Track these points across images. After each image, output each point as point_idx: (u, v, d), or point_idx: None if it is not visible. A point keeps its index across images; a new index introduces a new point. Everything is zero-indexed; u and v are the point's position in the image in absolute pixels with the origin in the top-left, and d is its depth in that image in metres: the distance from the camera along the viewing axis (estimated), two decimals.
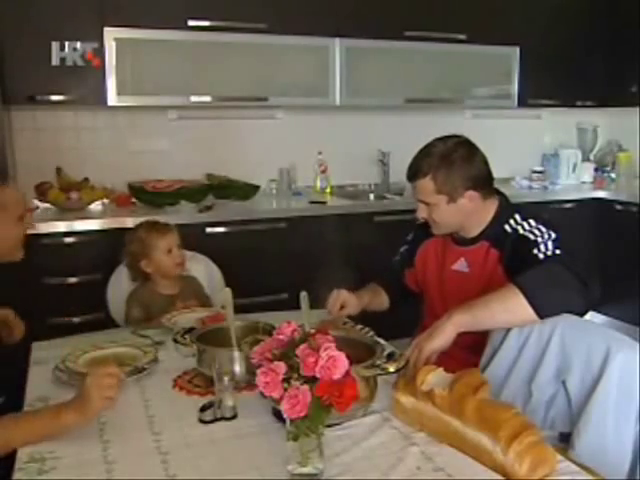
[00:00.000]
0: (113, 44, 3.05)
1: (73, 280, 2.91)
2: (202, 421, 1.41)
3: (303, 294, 1.51)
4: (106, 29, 3.03)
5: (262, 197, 3.55)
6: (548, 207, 3.86)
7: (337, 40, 3.48)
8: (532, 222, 1.83)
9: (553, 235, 1.77)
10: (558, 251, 1.73)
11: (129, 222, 2.97)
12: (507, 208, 1.91)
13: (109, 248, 2.82)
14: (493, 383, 1.47)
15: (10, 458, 1.29)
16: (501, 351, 1.66)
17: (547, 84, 3.99)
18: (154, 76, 3.21)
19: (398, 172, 4.01)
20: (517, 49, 3.89)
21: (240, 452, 1.30)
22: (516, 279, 1.61)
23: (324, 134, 3.87)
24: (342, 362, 1.10)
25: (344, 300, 1.98)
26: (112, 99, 3.11)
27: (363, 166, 4.00)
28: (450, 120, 4.18)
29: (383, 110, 3.95)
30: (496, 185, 4.13)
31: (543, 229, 1.80)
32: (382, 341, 1.57)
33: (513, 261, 1.81)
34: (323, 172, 3.82)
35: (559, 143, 4.52)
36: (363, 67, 3.59)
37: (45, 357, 1.77)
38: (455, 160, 1.83)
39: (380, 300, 2.17)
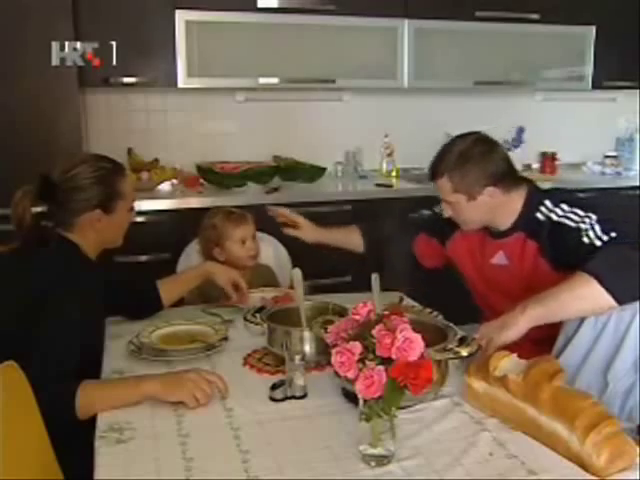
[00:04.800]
0: (183, 26, 3.09)
1: (143, 258, 2.98)
2: (273, 399, 1.43)
3: (375, 276, 1.50)
4: (177, 11, 3.08)
5: (328, 179, 3.55)
6: (620, 194, 3.74)
7: (406, 21, 3.42)
8: (565, 207, 1.76)
9: (594, 217, 1.70)
10: (613, 233, 1.65)
11: (197, 203, 3.04)
12: (536, 196, 1.84)
13: (178, 228, 2.89)
14: (566, 372, 1.44)
15: (91, 427, 1.34)
16: (575, 340, 1.62)
17: (624, 65, 3.82)
18: (223, 58, 3.24)
19: None
20: (593, 29, 3.74)
21: (311, 431, 1.31)
22: (586, 267, 1.56)
23: (391, 117, 3.82)
24: (418, 344, 1.09)
25: (298, 221, 2.17)
26: (182, 81, 3.15)
27: (430, 149, 3.88)
28: (520, 103, 4.10)
29: (451, 93, 3.88)
30: (566, 171, 4.02)
31: (580, 212, 1.73)
32: (453, 325, 1.55)
33: (559, 253, 1.75)
34: (389, 155, 3.78)
35: (635, 127, 4.35)
36: (432, 49, 3.52)
37: (120, 332, 1.83)
38: (470, 158, 1.79)
39: (350, 240, 2.26)
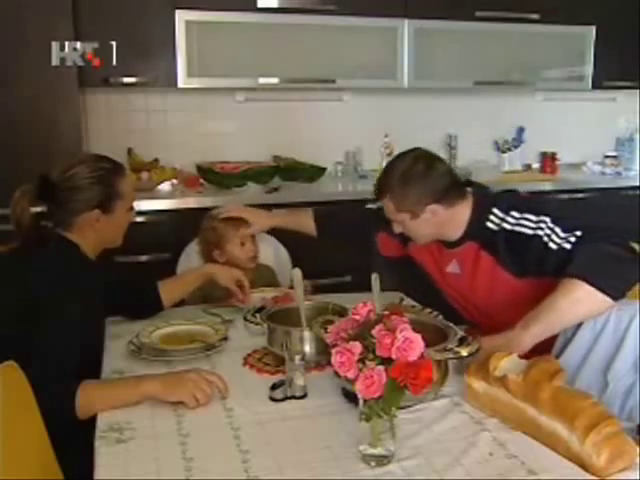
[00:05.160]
0: (183, 26, 3.09)
1: (143, 258, 2.98)
2: (273, 399, 1.43)
3: (374, 276, 1.50)
4: (177, 11, 3.07)
5: (328, 179, 3.55)
6: (620, 194, 3.74)
7: (406, 21, 3.42)
8: (515, 214, 1.75)
9: (547, 219, 1.69)
10: (578, 232, 1.64)
11: (197, 203, 3.04)
12: (482, 203, 1.82)
13: (178, 228, 2.89)
14: (566, 372, 1.44)
15: (91, 427, 1.34)
16: (574, 341, 1.62)
17: (624, 65, 3.82)
18: (223, 58, 3.23)
19: (465, 156, 3.96)
20: (593, 28, 3.74)
21: (311, 431, 1.31)
22: (570, 272, 1.57)
23: (391, 117, 3.82)
24: (418, 344, 1.09)
25: (243, 216, 2.20)
26: (182, 81, 3.15)
27: (430, 149, 3.93)
28: (520, 103, 4.10)
29: (452, 93, 3.88)
30: (566, 171, 4.01)
31: (533, 217, 1.72)
32: (453, 325, 1.55)
33: (521, 263, 1.74)
34: (389, 155, 3.75)
35: (635, 127, 4.35)
36: (432, 49, 3.52)
37: (120, 332, 1.83)
38: (410, 178, 1.77)
39: (305, 224, 2.27)
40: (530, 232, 1.70)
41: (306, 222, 2.27)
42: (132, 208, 1.83)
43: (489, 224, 1.78)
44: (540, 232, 1.69)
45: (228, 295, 2.04)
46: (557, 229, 1.67)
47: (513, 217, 1.75)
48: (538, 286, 1.71)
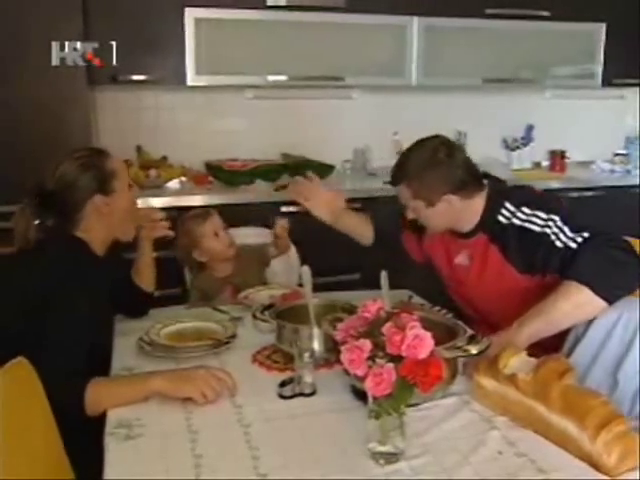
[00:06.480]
0: (193, 24, 3.09)
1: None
2: (282, 396, 1.43)
3: (383, 273, 1.50)
4: (187, 9, 3.07)
5: (337, 177, 3.52)
6: (630, 192, 3.72)
7: (415, 19, 3.41)
8: (526, 210, 1.73)
9: (557, 217, 1.68)
10: (586, 233, 1.64)
11: (206, 200, 3.03)
12: (496, 197, 1.80)
13: None
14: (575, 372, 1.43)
15: (100, 424, 1.35)
16: (585, 339, 1.62)
17: (634, 63, 3.80)
18: (232, 56, 3.23)
19: (474, 153, 3.91)
20: (603, 26, 3.72)
21: (320, 428, 1.31)
22: (573, 274, 1.58)
23: (400, 114, 3.81)
24: (428, 342, 1.09)
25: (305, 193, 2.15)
26: (191, 79, 3.15)
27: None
28: (529, 101, 4.08)
29: (460, 90, 3.87)
30: (575, 169, 3.98)
31: (543, 215, 1.70)
32: (462, 323, 1.55)
33: (526, 259, 1.73)
34: (398, 153, 3.75)
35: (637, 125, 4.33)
36: (441, 46, 3.51)
37: (129, 329, 1.83)
38: (429, 165, 1.76)
39: (360, 230, 2.19)
40: (538, 229, 1.70)
41: (365, 230, 2.20)
42: (132, 186, 1.82)
43: (500, 218, 1.78)
44: (548, 230, 1.68)
45: (232, 294, 2.05)
46: (565, 228, 1.67)
47: (524, 213, 1.74)
48: (538, 284, 1.72)
